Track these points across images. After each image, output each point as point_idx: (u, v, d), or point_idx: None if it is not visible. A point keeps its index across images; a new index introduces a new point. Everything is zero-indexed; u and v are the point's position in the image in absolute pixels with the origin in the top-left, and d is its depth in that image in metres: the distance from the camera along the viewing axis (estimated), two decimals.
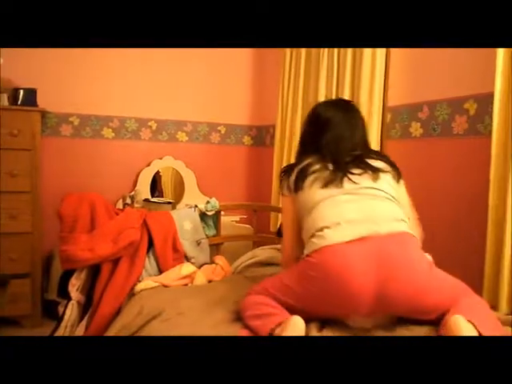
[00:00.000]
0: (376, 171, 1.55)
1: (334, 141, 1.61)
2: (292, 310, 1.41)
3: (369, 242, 1.37)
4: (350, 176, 1.53)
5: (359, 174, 1.53)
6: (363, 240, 1.38)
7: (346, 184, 1.52)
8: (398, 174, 1.62)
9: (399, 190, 1.61)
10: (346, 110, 1.72)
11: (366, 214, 1.44)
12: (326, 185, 1.52)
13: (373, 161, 1.59)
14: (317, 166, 1.57)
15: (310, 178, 1.56)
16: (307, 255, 1.45)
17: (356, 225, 1.41)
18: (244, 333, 1.42)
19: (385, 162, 1.62)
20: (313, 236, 1.46)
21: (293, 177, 1.61)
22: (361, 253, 1.36)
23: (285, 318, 1.36)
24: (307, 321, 1.38)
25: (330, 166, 1.55)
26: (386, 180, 1.57)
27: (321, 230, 1.44)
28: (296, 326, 1.33)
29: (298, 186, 1.59)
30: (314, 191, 1.54)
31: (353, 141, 1.63)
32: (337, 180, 1.52)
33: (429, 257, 1.51)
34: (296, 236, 1.62)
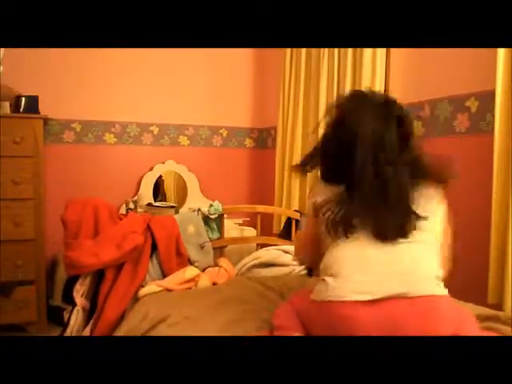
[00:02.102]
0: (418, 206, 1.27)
1: (367, 170, 1.25)
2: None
3: (386, 309, 1.19)
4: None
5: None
6: (378, 305, 1.19)
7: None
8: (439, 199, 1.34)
9: (437, 217, 1.34)
10: (386, 118, 1.29)
11: (393, 265, 1.23)
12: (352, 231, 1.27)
13: (419, 190, 1.29)
14: (342, 203, 1.29)
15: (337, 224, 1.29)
16: (315, 301, 1.29)
17: (375, 280, 1.21)
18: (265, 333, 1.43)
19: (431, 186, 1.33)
20: (324, 277, 1.29)
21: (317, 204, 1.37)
22: (375, 321, 1.19)
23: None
24: None
25: (359, 207, 1.26)
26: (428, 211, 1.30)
27: (331, 275, 1.26)
28: None
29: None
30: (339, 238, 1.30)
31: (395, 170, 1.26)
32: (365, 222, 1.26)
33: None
34: (316, 250, 1.44)
